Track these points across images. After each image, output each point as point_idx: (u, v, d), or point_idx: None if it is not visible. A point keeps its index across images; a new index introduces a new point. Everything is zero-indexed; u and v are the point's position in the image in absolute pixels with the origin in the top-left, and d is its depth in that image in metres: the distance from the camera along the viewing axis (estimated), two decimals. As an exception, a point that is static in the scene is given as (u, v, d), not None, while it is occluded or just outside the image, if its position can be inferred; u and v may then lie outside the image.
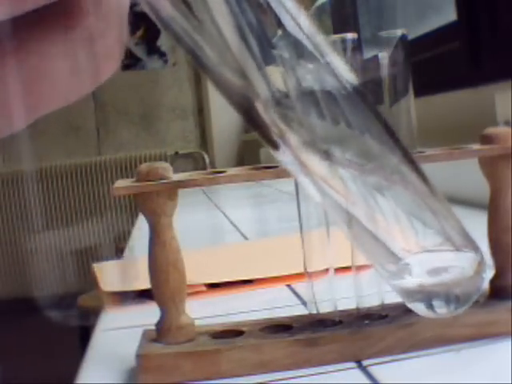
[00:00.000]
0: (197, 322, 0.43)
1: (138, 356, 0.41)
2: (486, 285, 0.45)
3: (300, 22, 0.25)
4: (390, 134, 0.26)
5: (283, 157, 0.24)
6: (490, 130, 0.43)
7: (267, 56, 0.27)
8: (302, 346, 0.41)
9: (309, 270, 0.44)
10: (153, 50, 3.91)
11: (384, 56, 0.43)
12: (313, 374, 0.40)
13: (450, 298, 0.25)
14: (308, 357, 0.41)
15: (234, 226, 1.11)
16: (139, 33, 3.85)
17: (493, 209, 0.44)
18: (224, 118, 3.46)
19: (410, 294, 0.26)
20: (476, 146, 0.44)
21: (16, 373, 2.54)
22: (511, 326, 0.41)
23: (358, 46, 0.43)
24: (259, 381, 0.40)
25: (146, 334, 0.44)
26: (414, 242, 0.24)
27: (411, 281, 0.26)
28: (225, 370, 0.41)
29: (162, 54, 3.92)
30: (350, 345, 0.41)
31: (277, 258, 0.70)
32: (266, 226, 1.11)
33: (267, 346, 0.41)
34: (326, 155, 0.25)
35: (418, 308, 0.26)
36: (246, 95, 0.26)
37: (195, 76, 3.88)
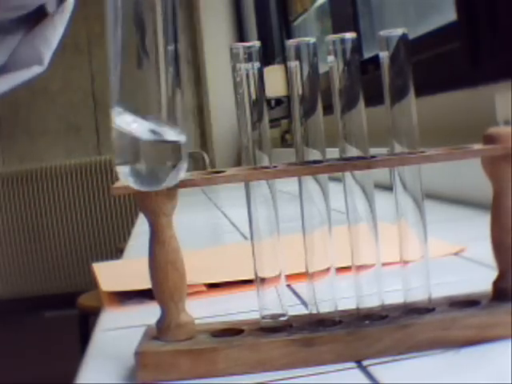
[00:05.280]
0: (196, 322, 0.44)
1: (137, 353, 0.41)
2: (489, 287, 0.45)
3: None
4: None
5: None
6: (492, 130, 0.43)
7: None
8: (299, 346, 0.41)
9: (309, 269, 0.44)
10: (153, 49, 3.90)
11: (384, 56, 0.43)
12: (312, 374, 0.40)
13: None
14: (305, 356, 0.41)
15: (234, 226, 1.11)
16: (139, 33, 3.85)
17: (495, 209, 0.44)
18: (224, 118, 3.46)
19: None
20: (477, 146, 0.44)
21: (16, 373, 2.54)
22: (511, 328, 0.41)
23: (357, 45, 0.43)
24: (258, 381, 0.40)
25: (147, 331, 0.44)
26: None
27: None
28: (222, 368, 0.41)
29: (162, 54, 3.91)
30: (347, 345, 0.41)
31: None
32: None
33: (264, 345, 0.41)
34: None
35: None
36: None
37: (195, 76, 3.88)
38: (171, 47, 0.39)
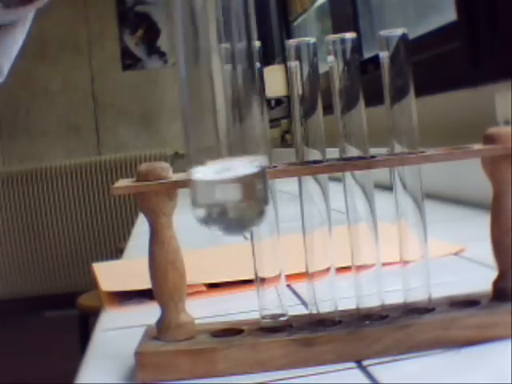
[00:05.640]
0: (196, 322, 0.44)
1: (137, 353, 0.41)
2: (489, 287, 0.45)
3: None
4: None
5: None
6: (492, 130, 0.43)
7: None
8: (298, 346, 0.41)
9: (309, 269, 0.44)
10: (153, 49, 3.91)
11: (384, 56, 0.43)
12: (312, 374, 0.40)
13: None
14: (304, 356, 0.41)
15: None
16: (139, 33, 3.85)
17: (495, 210, 0.44)
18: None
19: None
20: (477, 146, 0.44)
21: (16, 373, 2.54)
22: (511, 328, 0.41)
23: (357, 45, 0.43)
24: (258, 381, 0.40)
25: (147, 331, 0.44)
26: None
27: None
28: (222, 368, 0.41)
29: (161, 54, 3.92)
30: (347, 345, 0.41)
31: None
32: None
33: (264, 345, 0.41)
34: None
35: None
36: None
37: (195, 76, 3.88)
38: (239, 46, 0.33)
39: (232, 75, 0.32)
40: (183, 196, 0.43)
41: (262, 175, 0.33)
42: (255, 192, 0.33)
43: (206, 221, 0.34)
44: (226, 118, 0.32)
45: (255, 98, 0.32)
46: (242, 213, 0.33)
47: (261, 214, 0.33)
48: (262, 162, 0.33)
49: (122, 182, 0.43)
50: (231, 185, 0.32)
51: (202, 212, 0.34)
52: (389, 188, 0.46)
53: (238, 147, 0.32)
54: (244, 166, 0.32)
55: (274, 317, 0.43)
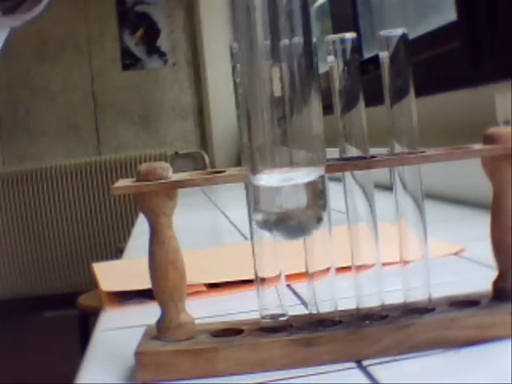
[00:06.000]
0: (196, 322, 0.44)
1: (137, 353, 0.41)
2: (489, 287, 0.45)
3: None
4: None
5: None
6: (492, 130, 0.43)
7: None
8: (298, 346, 0.41)
9: (309, 269, 0.44)
10: (153, 49, 3.91)
11: (384, 56, 0.43)
12: (312, 374, 0.40)
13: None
14: (305, 356, 0.41)
15: (234, 226, 1.11)
16: (139, 33, 3.85)
17: (495, 209, 0.44)
18: (224, 118, 3.46)
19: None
20: (477, 146, 0.44)
21: (16, 373, 2.53)
22: (511, 328, 0.41)
23: (357, 45, 0.43)
24: (258, 381, 0.40)
25: (147, 331, 0.44)
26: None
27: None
28: (222, 368, 0.41)
29: (161, 54, 3.91)
30: (347, 345, 0.41)
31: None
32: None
33: (264, 345, 0.41)
34: None
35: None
36: None
37: (195, 76, 3.88)
38: (297, 42, 0.33)
39: (291, 72, 0.33)
40: (183, 196, 0.43)
41: (321, 183, 0.34)
42: (317, 199, 0.34)
43: (268, 226, 0.35)
44: (284, 116, 0.33)
45: (315, 95, 0.33)
46: (304, 219, 0.34)
47: (319, 219, 0.35)
48: (320, 170, 0.34)
49: (122, 182, 0.43)
50: (297, 192, 0.33)
51: (263, 217, 0.35)
52: (389, 188, 0.46)
53: (298, 143, 0.33)
54: (305, 174, 0.33)
55: (274, 317, 0.43)
